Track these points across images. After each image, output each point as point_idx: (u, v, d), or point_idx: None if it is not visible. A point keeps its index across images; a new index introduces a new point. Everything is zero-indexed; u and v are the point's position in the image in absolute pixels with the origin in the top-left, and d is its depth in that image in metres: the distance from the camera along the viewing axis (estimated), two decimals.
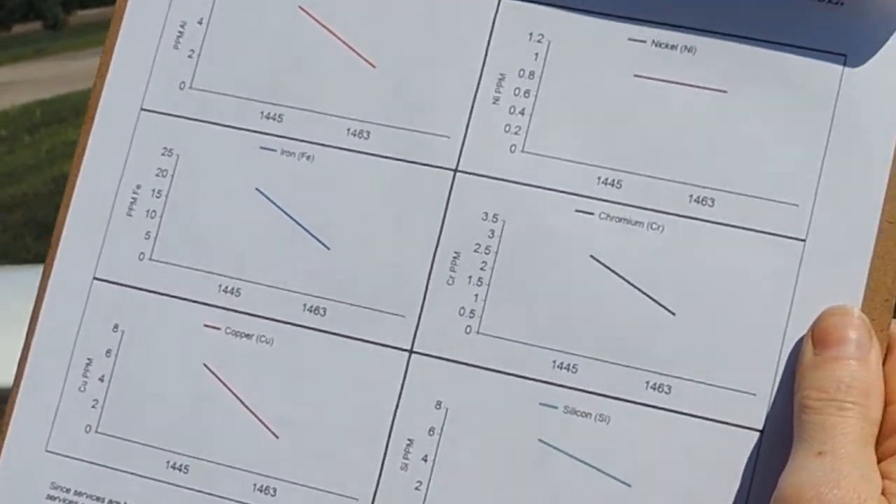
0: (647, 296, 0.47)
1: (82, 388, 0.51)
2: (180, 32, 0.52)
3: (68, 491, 0.50)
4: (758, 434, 0.46)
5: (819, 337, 0.44)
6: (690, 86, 0.48)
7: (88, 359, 0.51)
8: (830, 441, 0.41)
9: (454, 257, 0.48)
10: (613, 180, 0.48)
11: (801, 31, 0.47)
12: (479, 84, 0.49)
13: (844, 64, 0.47)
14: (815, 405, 0.42)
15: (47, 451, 0.51)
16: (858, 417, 0.42)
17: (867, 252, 0.46)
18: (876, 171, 0.46)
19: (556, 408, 0.47)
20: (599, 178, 0.48)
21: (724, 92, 0.47)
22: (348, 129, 0.50)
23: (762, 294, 0.46)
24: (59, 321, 0.51)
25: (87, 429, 0.50)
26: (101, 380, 0.51)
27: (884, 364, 0.44)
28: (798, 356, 0.45)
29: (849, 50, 0.47)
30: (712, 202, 0.47)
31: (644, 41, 0.48)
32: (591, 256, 0.47)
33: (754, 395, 0.46)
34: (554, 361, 0.47)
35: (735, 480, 0.45)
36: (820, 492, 0.40)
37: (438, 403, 0.48)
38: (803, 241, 0.46)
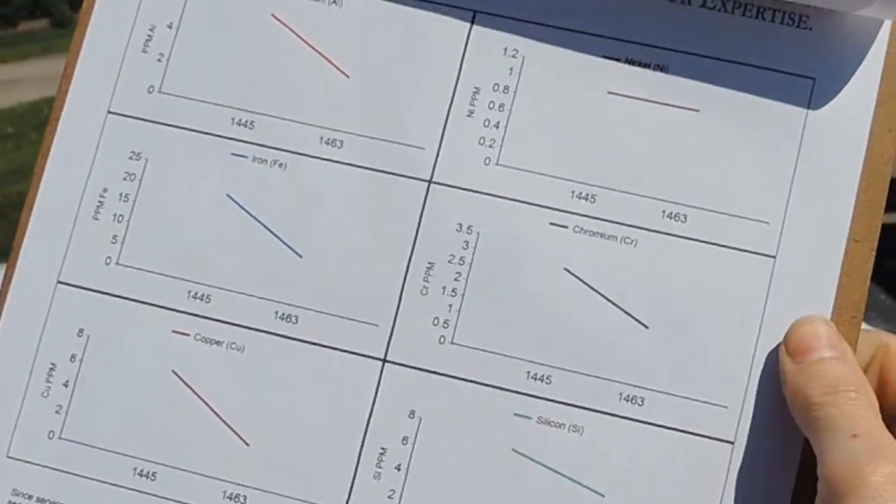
0: (621, 308, 0.48)
1: (45, 394, 0.50)
2: (149, 36, 0.52)
3: (30, 497, 0.49)
4: (729, 445, 0.46)
5: (794, 347, 0.45)
6: (663, 104, 0.49)
7: (52, 364, 0.50)
8: (860, 424, 0.42)
9: (428, 268, 0.49)
10: (587, 194, 0.48)
11: (772, 54, 0.48)
12: (453, 97, 0.50)
13: (813, 86, 0.48)
14: (824, 399, 0.43)
15: (9, 456, 0.50)
16: (868, 404, 0.43)
17: (835, 269, 0.47)
18: (844, 190, 0.47)
19: (529, 418, 0.47)
20: (573, 192, 0.48)
21: (696, 111, 0.48)
22: (321, 138, 0.50)
23: (733, 308, 0.47)
24: (21, 325, 0.50)
25: (51, 435, 0.50)
26: (66, 385, 0.50)
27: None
28: (779, 371, 0.46)
29: (817, 73, 0.48)
30: (685, 218, 0.48)
31: (618, 59, 0.49)
32: (565, 269, 0.48)
33: (726, 407, 0.47)
34: (528, 372, 0.48)
35: (707, 491, 0.46)
36: (868, 471, 0.40)
37: (412, 413, 0.48)
38: (773, 257, 0.47)
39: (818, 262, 0.47)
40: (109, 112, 0.51)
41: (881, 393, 0.46)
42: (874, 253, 0.47)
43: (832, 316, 0.47)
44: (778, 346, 0.47)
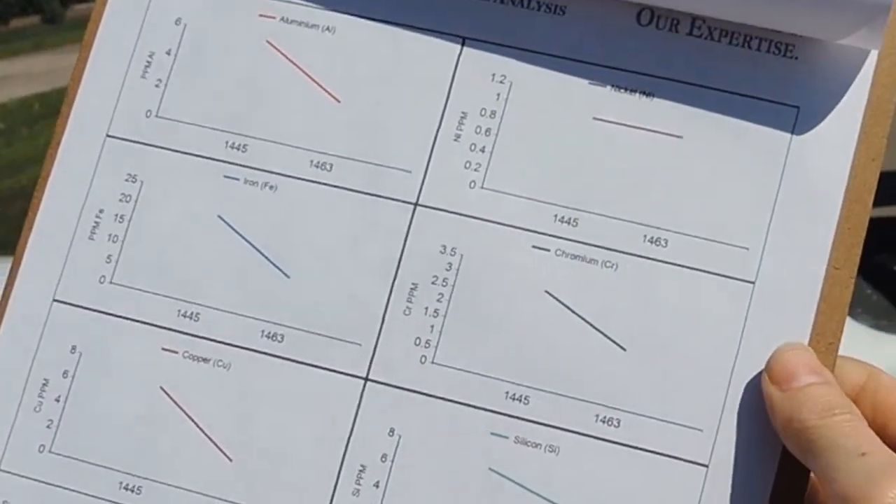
0: (599, 331, 0.48)
1: (38, 409, 0.51)
2: (148, 62, 0.53)
3: None
4: (704, 469, 0.47)
5: (778, 375, 0.45)
6: (647, 130, 0.49)
7: (45, 379, 0.51)
8: (865, 443, 0.42)
9: (412, 288, 0.49)
10: (570, 218, 0.49)
11: (757, 82, 0.49)
12: (441, 121, 0.50)
13: (797, 115, 0.48)
14: (821, 422, 0.43)
15: (0, 470, 0.51)
16: (864, 424, 0.43)
17: (814, 296, 0.47)
18: (824, 218, 0.47)
19: (506, 437, 0.48)
20: (556, 215, 0.49)
21: (680, 137, 0.49)
22: (311, 161, 0.51)
23: (711, 333, 0.47)
24: (17, 342, 0.52)
25: (41, 448, 0.51)
26: (57, 400, 0.51)
27: None
28: (765, 400, 0.46)
29: (802, 102, 0.48)
30: (665, 243, 0.48)
31: (603, 85, 0.50)
32: (546, 292, 0.48)
33: (701, 430, 0.47)
34: (506, 392, 0.48)
35: None
36: (887, 485, 0.40)
37: (392, 431, 0.48)
38: (752, 283, 0.47)
39: (797, 288, 0.47)
40: (108, 136, 0.53)
41: (876, 422, 0.46)
42: (853, 280, 0.47)
43: (810, 342, 0.47)
44: (755, 371, 0.47)
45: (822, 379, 0.45)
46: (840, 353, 0.47)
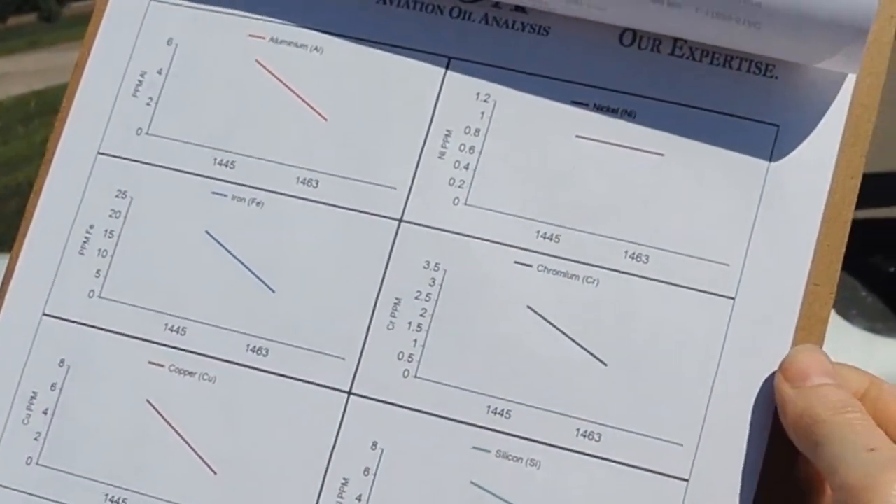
0: (581, 346, 0.48)
1: (26, 421, 0.51)
2: (140, 81, 0.54)
3: None
4: (684, 483, 0.47)
5: (793, 374, 0.46)
6: (629, 148, 0.50)
7: (34, 392, 0.52)
8: (875, 440, 0.43)
9: (395, 303, 0.50)
10: (552, 234, 0.49)
11: (737, 101, 0.49)
12: (426, 139, 0.51)
13: (777, 134, 0.49)
14: (833, 417, 0.44)
15: None
16: (874, 424, 0.44)
17: (794, 312, 0.47)
18: (804, 235, 0.48)
19: (488, 452, 0.48)
20: (538, 231, 0.49)
21: (662, 155, 0.49)
22: (298, 178, 0.52)
23: (692, 348, 0.48)
24: (6, 354, 0.52)
25: (28, 461, 0.51)
26: (45, 413, 0.51)
27: None
28: (778, 396, 0.46)
29: (782, 121, 0.49)
30: (646, 259, 0.49)
31: (586, 104, 0.50)
32: (528, 307, 0.49)
33: (681, 445, 0.47)
34: (488, 406, 0.48)
35: None
36: (891, 479, 0.41)
37: (374, 444, 0.49)
38: (733, 299, 0.48)
39: (777, 304, 0.47)
40: (99, 153, 0.53)
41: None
42: (833, 297, 0.47)
43: None
44: (736, 386, 0.47)
45: (835, 381, 0.46)
46: (835, 356, 0.47)
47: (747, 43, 0.47)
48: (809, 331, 0.47)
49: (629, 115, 0.50)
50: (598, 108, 0.50)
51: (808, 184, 0.48)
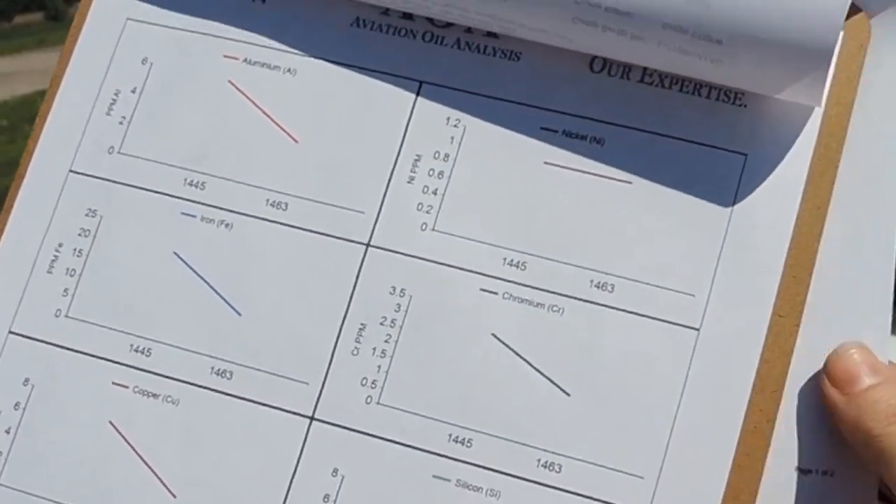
0: (544, 375, 0.48)
1: None
2: (114, 100, 0.54)
3: None
4: None
5: (839, 378, 0.45)
6: (597, 175, 0.49)
7: None
8: None
9: (360, 328, 0.50)
10: (518, 262, 0.49)
11: (706, 129, 0.49)
12: (395, 163, 0.51)
13: (745, 163, 0.48)
14: (887, 430, 0.43)
15: None
16: None
17: (758, 344, 0.47)
18: (769, 266, 0.47)
19: (448, 480, 0.48)
20: (505, 259, 0.49)
21: (630, 183, 0.49)
22: (267, 200, 0.51)
23: (655, 380, 0.47)
24: None
25: None
26: (8, 432, 0.51)
27: None
28: (828, 404, 0.46)
29: (750, 150, 0.48)
30: (612, 288, 0.48)
31: (556, 130, 0.50)
32: (493, 335, 0.49)
33: (642, 478, 0.47)
34: (450, 435, 0.48)
35: None
36: None
37: (335, 471, 0.49)
38: (697, 330, 0.47)
39: (741, 336, 0.47)
40: (71, 171, 0.53)
41: None
42: (798, 328, 0.47)
43: (752, 390, 0.46)
44: (698, 419, 0.47)
45: (883, 377, 0.45)
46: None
47: (710, 75, 0.47)
48: (773, 363, 0.47)
49: (598, 143, 0.50)
50: (568, 135, 0.50)
51: (775, 214, 0.48)
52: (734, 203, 0.48)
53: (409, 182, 0.51)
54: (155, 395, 0.50)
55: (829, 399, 0.46)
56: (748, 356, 0.47)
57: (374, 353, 0.49)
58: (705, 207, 0.48)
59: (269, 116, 0.52)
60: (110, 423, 0.51)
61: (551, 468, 0.47)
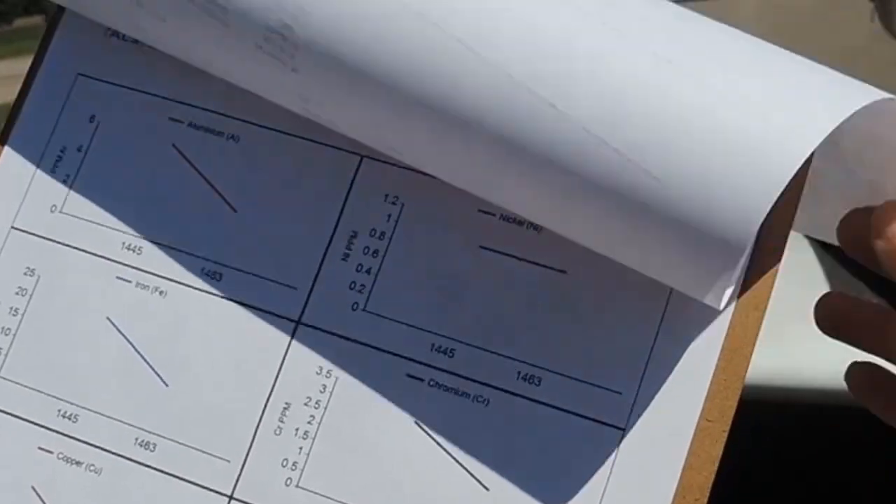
0: (465, 468, 0.47)
1: None
2: (59, 157, 0.54)
3: None
4: None
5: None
6: (532, 263, 0.48)
7: None
8: None
9: (284, 408, 0.49)
10: (446, 348, 0.48)
11: None
12: (331, 239, 0.50)
13: None
14: None
15: None
16: None
17: (683, 448, 0.46)
18: (700, 368, 0.46)
19: None
20: (433, 344, 0.48)
21: (564, 272, 0.48)
22: (202, 269, 0.51)
23: (575, 478, 0.46)
24: None
25: None
26: None
27: None
28: (883, 261, 0.44)
29: None
30: (539, 381, 0.47)
31: (493, 213, 0.49)
32: (416, 423, 0.48)
33: None
34: None
35: None
36: None
37: None
38: (622, 430, 0.46)
39: (666, 439, 0.46)
40: (13, 227, 0.53)
41: None
42: (726, 434, 0.46)
43: (674, 495, 0.45)
44: None
45: None
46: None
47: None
48: (698, 468, 0.45)
49: (534, 229, 0.48)
50: (505, 219, 0.49)
51: (706, 316, 0.46)
52: (668, 301, 0.47)
53: (343, 259, 0.50)
54: (79, 463, 0.50)
55: (884, 256, 0.44)
56: (672, 460, 0.46)
57: (296, 434, 0.49)
58: (639, 303, 0.47)
59: (209, 183, 0.52)
60: (33, 488, 0.50)
61: None
